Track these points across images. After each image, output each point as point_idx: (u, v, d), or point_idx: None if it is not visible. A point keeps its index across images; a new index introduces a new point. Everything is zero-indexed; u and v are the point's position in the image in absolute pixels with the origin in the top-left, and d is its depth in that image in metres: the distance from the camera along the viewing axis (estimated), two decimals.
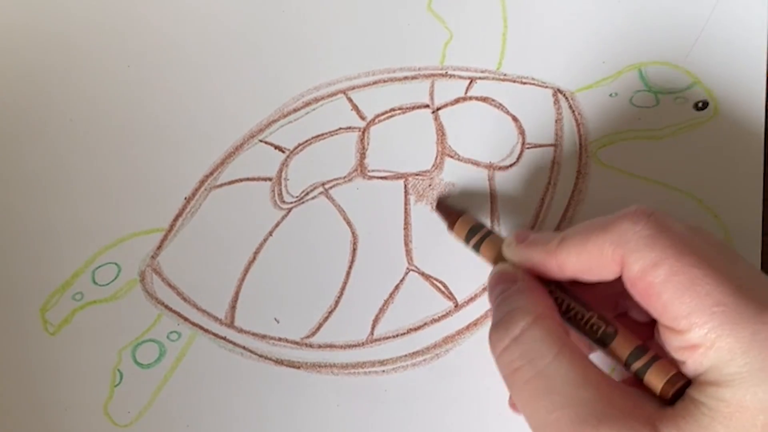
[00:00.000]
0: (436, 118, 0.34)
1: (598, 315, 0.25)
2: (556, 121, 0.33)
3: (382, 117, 0.34)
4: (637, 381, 0.24)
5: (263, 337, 0.34)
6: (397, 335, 0.34)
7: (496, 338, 0.25)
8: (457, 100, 0.34)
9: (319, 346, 0.34)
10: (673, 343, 0.23)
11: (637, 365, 0.24)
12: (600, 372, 0.23)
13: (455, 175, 0.34)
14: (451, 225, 0.31)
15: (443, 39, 0.34)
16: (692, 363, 0.22)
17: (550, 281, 0.26)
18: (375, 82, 0.34)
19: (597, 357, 0.27)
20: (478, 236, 0.30)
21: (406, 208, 0.34)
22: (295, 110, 0.34)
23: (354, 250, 0.34)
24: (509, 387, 0.25)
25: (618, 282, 0.24)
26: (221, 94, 0.34)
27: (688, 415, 0.22)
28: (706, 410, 0.21)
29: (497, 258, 0.28)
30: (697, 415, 0.22)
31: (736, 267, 0.23)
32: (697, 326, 0.22)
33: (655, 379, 0.23)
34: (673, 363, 0.23)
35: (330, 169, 0.34)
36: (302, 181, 0.34)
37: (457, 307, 0.33)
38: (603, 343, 0.25)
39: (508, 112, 0.34)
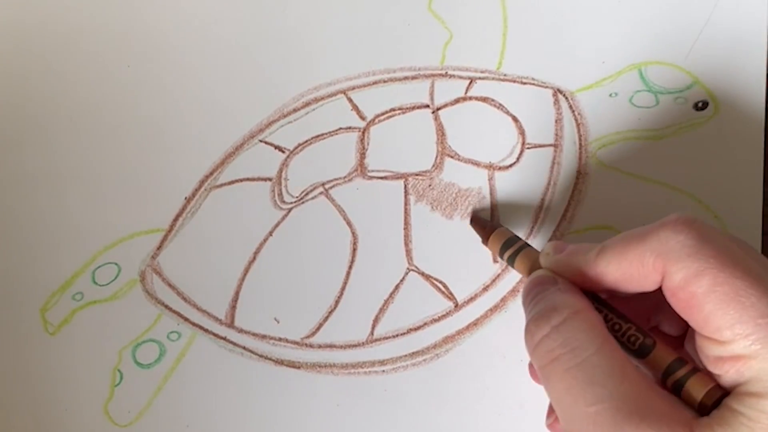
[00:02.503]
0: (436, 118, 0.34)
1: (635, 326, 0.25)
2: (556, 121, 0.33)
3: (382, 117, 0.34)
4: (672, 391, 0.24)
5: (263, 337, 0.34)
6: (397, 335, 0.34)
7: (535, 327, 0.24)
8: (457, 100, 0.34)
9: (319, 346, 0.34)
10: (712, 354, 0.23)
11: (677, 375, 0.24)
12: (639, 371, 0.23)
13: (455, 176, 0.34)
14: (485, 239, 0.31)
15: (443, 39, 0.34)
16: (733, 373, 0.22)
17: (587, 293, 0.26)
18: (375, 82, 0.34)
19: None
20: (512, 249, 0.29)
21: (406, 208, 0.34)
22: (295, 110, 0.34)
23: (354, 250, 0.34)
24: (546, 377, 0.24)
25: (650, 296, 0.24)
26: (221, 94, 0.34)
27: (725, 424, 0.22)
28: (745, 420, 0.21)
29: (532, 270, 0.28)
30: (735, 424, 0.21)
31: None
32: (741, 337, 0.22)
33: (695, 390, 0.23)
34: (709, 375, 0.23)
35: (330, 169, 0.34)
36: (302, 181, 0.34)
37: (457, 307, 0.33)
38: (641, 354, 0.25)
39: (508, 112, 0.34)
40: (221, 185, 0.34)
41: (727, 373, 0.22)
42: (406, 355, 0.34)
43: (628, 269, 0.24)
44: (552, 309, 0.24)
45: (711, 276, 0.22)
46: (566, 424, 0.23)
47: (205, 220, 0.34)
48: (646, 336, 0.25)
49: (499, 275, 0.33)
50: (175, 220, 0.34)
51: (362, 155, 0.34)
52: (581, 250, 0.26)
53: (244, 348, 0.34)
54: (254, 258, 0.34)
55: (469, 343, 0.33)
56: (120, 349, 0.34)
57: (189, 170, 0.34)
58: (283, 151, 0.34)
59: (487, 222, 0.32)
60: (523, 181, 0.33)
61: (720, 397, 0.23)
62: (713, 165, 0.33)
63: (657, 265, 0.23)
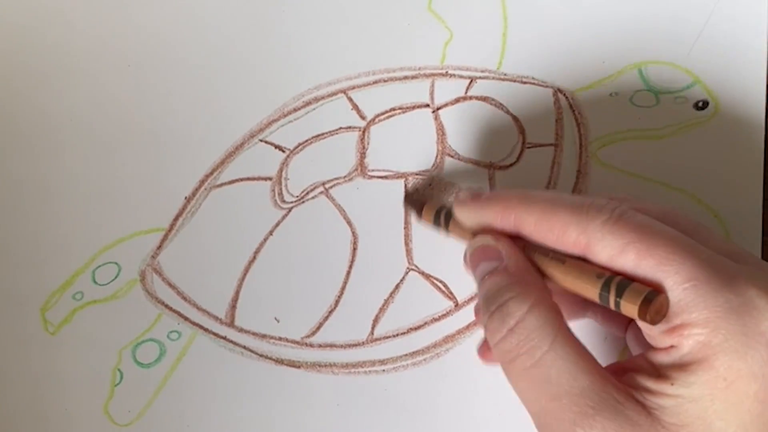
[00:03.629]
0: (437, 118, 0.34)
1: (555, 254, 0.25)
2: (556, 121, 0.33)
3: (383, 116, 0.34)
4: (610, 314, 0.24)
5: (263, 336, 0.34)
6: (398, 335, 0.34)
7: (493, 328, 0.25)
8: (457, 100, 0.34)
9: (320, 346, 0.34)
10: (655, 331, 0.23)
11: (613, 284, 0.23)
12: (594, 360, 0.24)
13: (455, 175, 0.34)
14: (419, 213, 0.31)
15: (443, 38, 0.34)
16: (682, 345, 0.22)
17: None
18: (375, 82, 0.34)
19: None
20: (443, 217, 0.29)
21: (406, 208, 0.34)
22: (296, 110, 0.34)
23: (354, 249, 0.34)
24: (507, 375, 0.25)
25: None
26: (221, 94, 0.34)
27: (685, 400, 0.22)
28: (706, 390, 0.21)
29: (470, 233, 0.28)
30: (696, 397, 0.22)
31: (708, 244, 0.23)
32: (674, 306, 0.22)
33: (634, 296, 0.22)
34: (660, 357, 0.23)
35: (330, 168, 0.34)
36: (302, 181, 0.34)
37: (458, 306, 0.33)
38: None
39: (508, 112, 0.34)
40: (221, 185, 0.34)
41: (676, 346, 0.22)
42: (406, 355, 0.34)
43: (548, 230, 0.25)
44: (506, 309, 0.25)
45: (635, 251, 0.22)
46: (533, 417, 0.25)
47: (205, 219, 0.34)
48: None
49: None
50: (176, 219, 0.34)
51: (362, 155, 0.34)
52: (500, 194, 0.26)
53: (244, 347, 0.34)
54: (254, 257, 0.34)
55: (470, 343, 0.33)
56: (120, 349, 0.34)
57: (189, 170, 0.34)
58: (284, 151, 0.34)
59: (417, 198, 0.31)
60: (524, 180, 0.33)
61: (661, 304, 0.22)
62: (713, 165, 0.33)
63: (579, 241, 0.24)
